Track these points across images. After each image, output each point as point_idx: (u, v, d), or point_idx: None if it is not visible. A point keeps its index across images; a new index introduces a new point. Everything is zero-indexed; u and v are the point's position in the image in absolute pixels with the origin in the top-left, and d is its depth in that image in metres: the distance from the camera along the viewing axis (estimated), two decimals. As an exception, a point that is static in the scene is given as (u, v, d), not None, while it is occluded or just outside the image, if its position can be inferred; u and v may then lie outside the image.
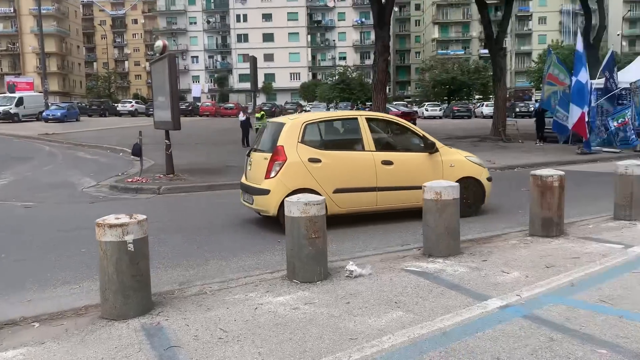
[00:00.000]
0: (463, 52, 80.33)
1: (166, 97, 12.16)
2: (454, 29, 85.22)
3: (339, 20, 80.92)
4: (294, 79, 78.69)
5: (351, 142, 7.74)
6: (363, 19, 76.53)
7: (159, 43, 13.07)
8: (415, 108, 50.41)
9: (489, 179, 8.16)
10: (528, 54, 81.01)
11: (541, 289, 4.46)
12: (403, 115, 27.93)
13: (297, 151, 7.08)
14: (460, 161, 8.06)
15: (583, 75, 17.17)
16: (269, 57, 75.15)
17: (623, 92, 18.22)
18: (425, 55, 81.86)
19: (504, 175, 13.59)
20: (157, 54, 13.24)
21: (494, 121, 25.36)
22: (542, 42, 76.60)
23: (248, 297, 4.45)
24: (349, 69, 62.15)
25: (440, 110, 51.28)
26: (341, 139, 8.10)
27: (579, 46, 18.09)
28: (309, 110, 45.34)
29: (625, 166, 6.96)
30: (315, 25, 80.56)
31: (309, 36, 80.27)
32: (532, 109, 38.62)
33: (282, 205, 6.20)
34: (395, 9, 67.16)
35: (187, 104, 53.77)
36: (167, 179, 12.21)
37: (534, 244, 6.00)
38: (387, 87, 23.97)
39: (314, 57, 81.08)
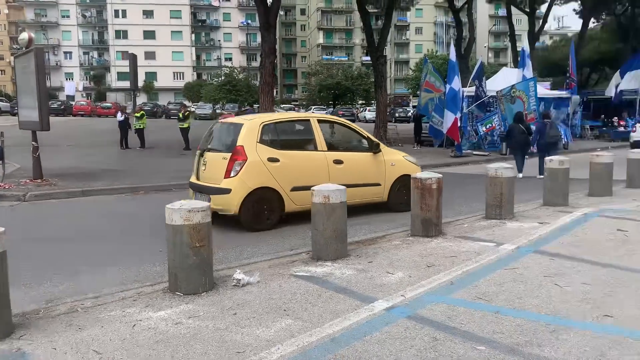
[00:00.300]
0: (347, 58, 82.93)
1: (33, 95, 11.08)
2: (337, 36, 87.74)
3: (224, 20, 79.65)
4: (177, 79, 76.10)
5: (305, 143, 8.02)
6: (249, 21, 75.92)
7: (23, 36, 11.87)
8: (302, 111, 51.03)
9: None
10: (406, 62, 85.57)
11: (424, 288, 4.60)
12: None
13: (257, 151, 7.33)
14: (400, 160, 8.74)
15: (456, 83, 18.39)
16: (150, 55, 72.00)
17: (491, 100, 19.81)
18: (310, 60, 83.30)
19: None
20: (23, 48, 12.04)
21: (376, 125, 26.34)
22: (418, 51, 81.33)
23: (125, 314, 4.11)
24: (235, 70, 61.42)
25: (326, 113, 52.45)
26: (296, 139, 8.24)
27: (452, 56, 19.37)
28: (194, 111, 44.09)
29: (495, 169, 7.49)
30: (200, 24, 78.62)
31: (193, 35, 78.08)
32: (410, 114, 40.77)
33: (243, 203, 7.05)
34: (281, 12, 67.66)
35: (60, 103, 49.94)
36: (34, 185, 11.12)
37: (415, 244, 6.23)
38: (275, 90, 23.92)
39: (198, 57, 79.03)
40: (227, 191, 7.12)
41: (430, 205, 6.47)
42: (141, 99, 61.37)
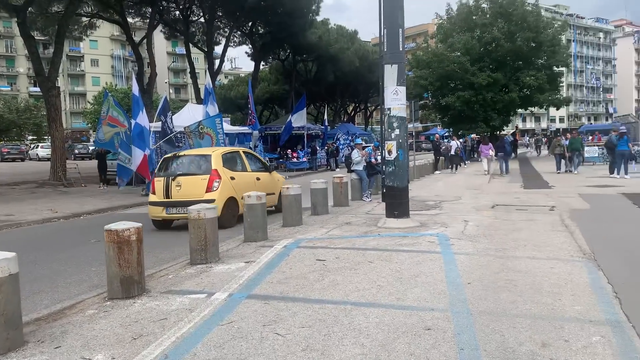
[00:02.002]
0: (10, 88, 72.45)
1: None
2: (-2, 63, 76.15)
3: None
4: None
5: (241, 166, 11.64)
6: None
7: None
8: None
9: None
10: (83, 94, 79.82)
11: (133, 371, 3.73)
12: None
13: (224, 172, 10.67)
14: (281, 178, 13.14)
15: (142, 118, 17.53)
16: None
17: (179, 135, 19.56)
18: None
19: (70, 225, 12.33)
20: None
21: (52, 164, 23.30)
22: (96, 84, 76.94)
23: None
24: None
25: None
26: (236, 164, 11.59)
27: (135, 90, 18.46)
28: None
29: (198, 210, 7.02)
30: None
31: None
32: (93, 150, 37.80)
33: (222, 209, 10.13)
34: None
35: None
36: None
37: (115, 309, 5.23)
38: None
39: None
40: (211, 201, 9.49)
41: (130, 260, 5.56)
42: None
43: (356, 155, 14.08)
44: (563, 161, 21.75)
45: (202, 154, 11.45)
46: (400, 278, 5.95)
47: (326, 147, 33.57)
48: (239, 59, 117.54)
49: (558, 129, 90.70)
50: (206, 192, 10.26)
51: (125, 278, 5.57)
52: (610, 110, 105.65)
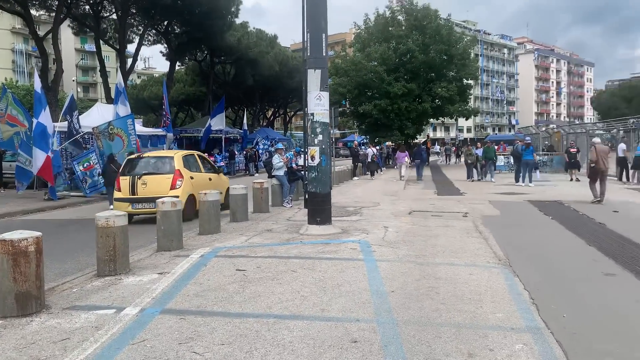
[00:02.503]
0: None
1: None
2: None
3: None
4: None
5: (196, 167, 12.98)
6: None
7: None
8: None
9: None
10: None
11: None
12: None
13: (185, 172, 12.07)
14: (227, 179, 14.71)
15: (44, 117, 16.32)
16: None
17: (86, 136, 18.37)
18: None
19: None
20: None
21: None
22: (-5, 80, 71.12)
23: None
24: None
25: None
26: (194, 165, 12.94)
27: (37, 87, 17.18)
28: None
29: (106, 217, 6.48)
30: None
31: None
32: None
33: (185, 204, 11.03)
34: None
35: None
36: None
37: (8, 329, 4.65)
38: None
39: None
40: (176, 197, 9.51)
41: (27, 274, 4.98)
42: None
43: (277, 160, 13.87)
44: (475, 170, 22.75)
45: (165, 155, 12.89)
46: (324, 288, 5.79)
47: (245, 152, 33.05)
48: (153, 59, 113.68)
49: (466, 139, 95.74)
50: (170, 189, 11.49)
51: (21, 293, 4.99)
52: (513, 122, 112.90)
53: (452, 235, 9.12)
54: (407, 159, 24.54)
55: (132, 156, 13.07)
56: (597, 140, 15.06)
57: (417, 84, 34.91)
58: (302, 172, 13.07)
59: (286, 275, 6.37)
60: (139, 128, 21.10)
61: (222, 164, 30.52)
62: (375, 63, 33.84)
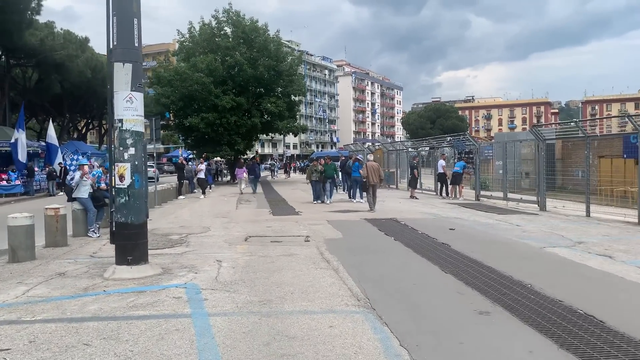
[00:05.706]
0: None
1: None
2: None
3: None
4: None
5: None
6: None
7: None
8: None
9: None
10: None
11: None
12: None
13: None
14: None
15: None
16: None
17: None
18: None
19: None
20: None
21: None
22: None
23: None
24: None
25: None
26: None
27: None
28: None
29: None
30: None
31: None
32: None
33: None
34: None
35: None
36: None
37: None
38: None
39: None
40: None
41: None
42: None
43: (77, 178, 11.19)
44: (323, 190, 20.11)
45: None
46: (131, 374, 3.90)
47: (47, 169, 28.42)
48: None
49: (292, 155, 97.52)
50: None
51: None
52: (334, 139, 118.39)
53: (298, 267, 7.74)
54: (245, 175, 25.69)
55: None
56: (370, 157, 18.13)
57: (246, 98, 33.70)
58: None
59: (75, 353, 4.31)
60: None
61: (17, 182, 25.87)
62: (202, 74, 31.83)
